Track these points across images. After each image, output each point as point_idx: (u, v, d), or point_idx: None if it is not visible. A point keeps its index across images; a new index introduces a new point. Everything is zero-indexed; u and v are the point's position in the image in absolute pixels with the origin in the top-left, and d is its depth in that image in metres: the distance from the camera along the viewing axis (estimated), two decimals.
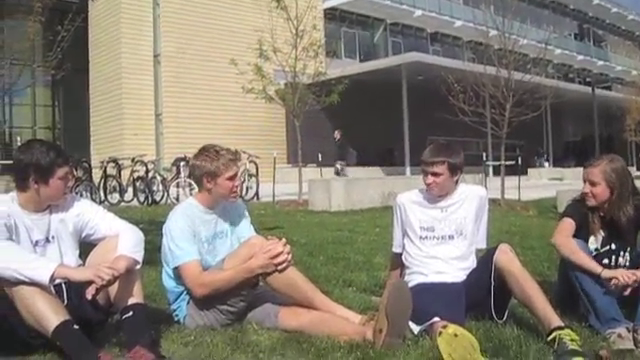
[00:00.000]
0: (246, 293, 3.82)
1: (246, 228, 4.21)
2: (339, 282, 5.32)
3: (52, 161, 3.41)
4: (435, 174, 4.07)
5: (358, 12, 38.32)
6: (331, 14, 36.50)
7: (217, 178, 3.94)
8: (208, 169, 3.94)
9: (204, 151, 4.02)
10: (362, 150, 32.10)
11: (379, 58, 36.75)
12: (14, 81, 15.42)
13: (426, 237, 4.18)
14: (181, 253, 3.86)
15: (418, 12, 39.55)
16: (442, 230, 4.16)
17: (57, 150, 3.50)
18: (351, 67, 28.53)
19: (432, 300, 3.74)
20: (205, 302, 3.84)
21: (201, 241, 3.98)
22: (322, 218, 11.88)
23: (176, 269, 3.90)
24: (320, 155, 21.92)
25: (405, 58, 29.82)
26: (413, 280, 4.12)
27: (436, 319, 3.56)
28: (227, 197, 4.04)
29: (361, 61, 36.68)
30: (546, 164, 38.47)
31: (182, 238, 3.89)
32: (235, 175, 3.99)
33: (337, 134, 22.00)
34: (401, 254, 4.36)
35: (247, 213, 4.32)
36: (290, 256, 3.76)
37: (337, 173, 20.78)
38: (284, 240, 3.79)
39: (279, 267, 3.71)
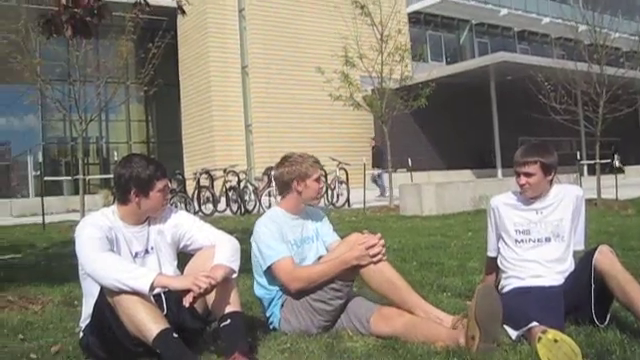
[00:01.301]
0: (342, 289, 3.84)
1: (329, 233, 4.27)
2: (433, 287, 5.27)
3: (151, 174, 3.53)
4: (528, 174, 3.99)
5: (443, 14, 38.05)
6: (415, 18, 36.36)
7: (307, 180, 4.08)
8: (298, 172, 4.07)
9: (288, 158, 4.17)
10: (451, 153, 31.85)
11: (466, 60, 36.38)
12: (109, 99, 15.90)
13: (522, 240, 4.09)
14: (272, 252, 3.93)
15: (504, 11, 38.97)
16: (538, 233, 4.06)
17: (156, 164, 3.62)
18: (438, 70, 28.28)
19: (530, 304, 3.66)
20: (301, 301, 3.88)
21: (290, 244, 4.04)
22: (414, 223, 11.81)
23: (268, 270, 3.96)
24: (410, 159, 21.79)
25: (492, 58, 29.41)
26: (509, 284, 4.05)
27: (534, 324, 3.47)
28: (315, 199, 4.18)
29: (447, 63, 36.42)
30: (617, 162, 36.39)
31: (271, 238, 3.97)
32: (320, 177, 4.14)
33: (372, 142, 21.90)
34: (496, 258, 4.29)
35: (327, 218, 4.39)
36: (384, 249, 3.80)
37: (374, 181, 20.62)
38: (379, 234, 3.82)
39: (374, 259, 3.74)
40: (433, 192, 13.80)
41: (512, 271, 4.10)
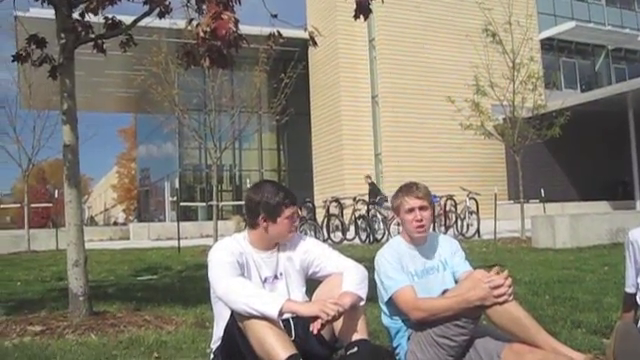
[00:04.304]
0: (466, 326, 3.73)
1: (461, 263, 4.16)
2: (567, 323, 5.10)
3: (280, 201, 3.61)
4: None
5: (577, 40, 37.02)
6: (548, 44, 35.59)
7: (399, 213, 4.13)
8: (398, 205, 4.13)
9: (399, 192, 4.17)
10: (585, 184, 30.85)
11: (601, 87, 35.19)
12: (243, 128, 16.36)
13: None
14: (392, 282, 3.90)
15: None
16: None
17: (285, 191, 3.70)
18: (572, 98, 27.49)
19: None
20: (425, 334, 3.82)
21: (411, 274, 4.00)
22: (546, 256, 11.49)
23: (390, 301, 3.93)
24: (543, 190, 21.27)
25: (631, 85, 28.31)
26: None
27: None
28: (413, 231, 4.06)
29: (582, 91, 35.35)
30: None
31: (391, 269, 3.94)
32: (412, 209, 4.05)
33: (368, 179, 21.12)
34: (635, 294, 4.10)
35: (461, 248, 4.28)
36: (511, 290, 3.64)
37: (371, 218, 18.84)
38: (506, 273, 3.68)
39: (499, 299, 3.60)
40: (567, 224, 13.39)
41: None
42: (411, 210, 4.02)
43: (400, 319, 3.99)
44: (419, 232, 4.04)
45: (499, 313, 3.66)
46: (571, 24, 35.12)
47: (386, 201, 17.84)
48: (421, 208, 4.01)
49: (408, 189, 4.08)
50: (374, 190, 20.60)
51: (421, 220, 4.00)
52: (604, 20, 38.14)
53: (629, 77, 35.61)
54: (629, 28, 37.92)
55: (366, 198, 17.95)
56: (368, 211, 17.43)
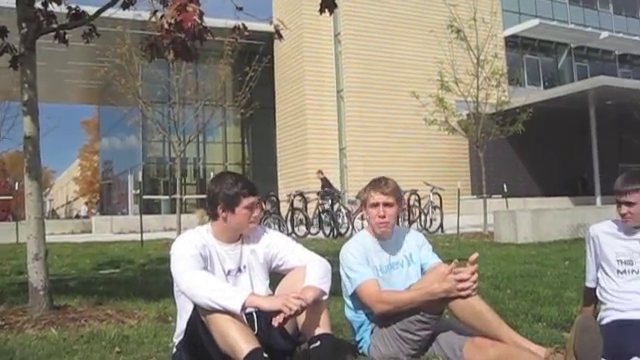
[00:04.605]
0: (429, 321, 3.77)
1: (429, 255, 4.20)
2: (528, 317, 5.15)
3: (238, 191, 3.60)
4: (629, 204, 3.87)
5: (540, 38, 37.42)
6: (512, 42, 35.92)
7: (365, 206, 4.13)
8: (365, 198, 4.13)
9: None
10: (548, 180, 31.22)
11: (564, 84, 35.62)
12: (207, 121, 16.27)
13: (624, 271, 3.96)
14: (357, 275, 3.93)
15: (604, 34, 38.10)
16: None
17: (244, 181, 3.69)
18: (535, 95, 27.78)
19: (630, 338, 3.53)
20: (389, 329, 3.86)
21: (376, 269, 4.03)
22: (509, 250, 11.59)
23: (354, 294, 3.97)
24: (505, 186, 21.45)
25: (592, 83, 28.69)
26: (609, 316, 3.92)
27: (635, 359, 3.36)
28: (376, 226, 4.07)
29: (545, 88, 35.77)
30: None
31: (355, 262, 3.97)
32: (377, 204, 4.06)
33: (320, 174, 21.06)
34: (595, 289, 4.16)
35: (427, 241, 4.31)
36: (475, 285, 3.68)
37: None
38: (473, 268, 3.69)
39: (462, 293, 3.64)
40: (529, 219, 13.54)
41: (612, 303, 3.96)
42: (375, 205, 4.04)
43: (364, 313, 4.02)
44: (380, 227, 4.06)
45: (462, 307, 3.69)
46: (535, 22, 35.49)
47: (339, 195, 17.87)
48: (385, 204, 4.02)
49: (376, 184, 4.09)
50: (326, 185, 20.60)
51: (383, 216, 4.02)
52: (567, 18, 38.61)
53: (591, 75, 36.08)
54: (591, 27, 38.45)
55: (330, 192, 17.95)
56: (332, 205, 17.45)
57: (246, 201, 3.60)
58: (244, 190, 3.61)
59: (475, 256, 3.68)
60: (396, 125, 30.14)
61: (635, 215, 3.89)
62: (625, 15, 41.63)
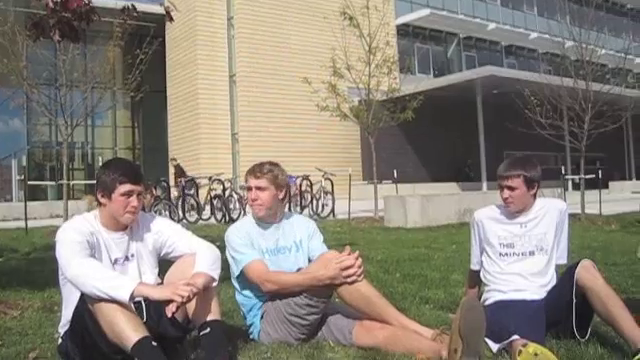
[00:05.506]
0: (318, 305, 3.82)
1: (318, 246, 4.23)
2: (415, 299, 5.27)
3: (115, 177, 3.52)
4: (511, 188, 4.01)
5: (431, 27, 38.21)
6: (404, 30, 36.50)
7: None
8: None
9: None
10: (437, 166, 31.97)
11: (453, 73, 36.54)
12: (96, 104, 15.84)
13: (506, 254, 4.11)
14: (242, 257, 3.97)
15: (492, 25, 39.24)
16: (522, 246, 4.08)
17: (126, 168, 3.61)
18: (425, 83, 28.41)
19: (511, 318, 3.67)
20: (277, 313, 3.89)
21: (262, 252, 4.06)
22: (398, 235, 11.82)
23: (242, 275, 3.99)
24: (395, 171, 21.83)
25: (479, 72, 29.56)
26: (491, 297, 4.06)
27: (515, 337, 3.49)
28: (252, 209, 4.18)
29: (435, 76, 36.57)
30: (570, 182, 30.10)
31: (241, 244, 4.02)
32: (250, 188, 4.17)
33: (173, 161, 21.27)
34: (479, 271, 4.30)
35: (319, 231, 4.35)
36: (361, 270, 3.75)
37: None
38: (357, 254, 3.78)
39: (348, 279, 3.71)
40: (418, 204, 13.82)
41: (494, 284, 4.10)
42: (249, 189, 4.13)
43: (253, 295, 4.05)
44: (255, 210, 4.14)
45: (349, 292, 3.76)
46: (426, 11, 36.21)
47: (195, 183, 17.69)
48: (258, 188, 4.09)
49: (251, 169, 4.19)
50: (179, 172, 20.44)
51: (256, 199, 4.09)
52: (457, 9, 39.54)
53: (478, 65, 37.21)
54: (480, 18, 39.55)
55: (222, 178, 17.80)
56: (224, 190, 17.34)
57: (122, 188, 3.51)
58: (120, 177, 3.52)
59: (348, 249, 3.79)
60: (289, 111, 30.20)
61: (516, 199, 4.04)
62: (512, 8, 42.97)
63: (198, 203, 17.30)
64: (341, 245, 3.87)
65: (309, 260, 4.14)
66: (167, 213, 15.72)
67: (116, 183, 3.51)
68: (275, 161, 4.28)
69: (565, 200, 13.65)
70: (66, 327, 3.54)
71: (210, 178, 17.69)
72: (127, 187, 3.53)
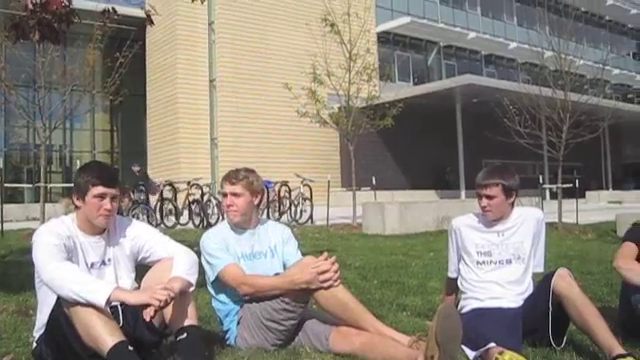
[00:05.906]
0: (295, 310, 3.82)
1: (293, 252, 4.25)
2: (393, 306, 5.28)
3: (89, 179, 3.50)
4: (489, 197, 4.03)
5: (411, 35, 38.31)
6: (384, 38, 36.59)
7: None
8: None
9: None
10: (416, 173, 32.04)
11: (433, 81, 36.67)
12: (74, 107, 15.74)
13: (483, 262, 4.12)
14: (218, 261, 3.98)
15: (472, 34, 39.43)
16: (500, 254, 4.10)
17: (100, 171, 3.59)
18: (405, 90, 28.48)
19: (488, 325, 3.68)
20: (254, 319, 3.88)
21: (237, 257, 4.07)
22: (376, 242, 11.83)
23: (217, 280, 4.00)
24: (374, 178, 21.86)
25: (459, 81, 29.69)
26: (468, 305, 4.07)
27: (492, 345, 3.50)
28: (227, 215, 4.22)
29: (415, 84, 36.64)
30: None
31: (216, 249, 4.02)
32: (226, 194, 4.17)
33: (136, 167, 20.91)
34: (456, 279, 4.31)
35: (294, 238, 4.36)
36: (337, 275, 3.74)
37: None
38: (333, 259, 3.77)
39: (324, 284, 3.71)
40: (396, 211, 13.85)
41: (472, 292, 4.12)
42: (225, 195, 4.13)
43: (229, 300, 4.05)
44: (230, 216, 4.16)
45: (326, 297, 3.75)
46: (406, 19, 36.29)
47: (158, 187, 17.36)
48: (233, 194, 4.10)
49: (227, 175, 4.18)
50: (142, 178, 20.14)
51: (231, 205, 4.10)
52: (438, 17, 39.69)
53: (458, 73, 37.33)
54: (460, 27, 39.72)
55: (200, 182, 17.73)
56: (202, 195, 17.29)
57: (95, 190, 3.49)
58: (94, 179, 3.50)
59: (325, 255, 3.78)
60: (268, 116, 30.15)
61: (494, 208, 4.05)
62: (492, 17, 43.20)
63: (176, 208, 17.22)
64: (319, 251, 3.86)
65: (284, 266, 4.14)
66: (145, 217, 15.64)
67: (89, 185, 3.49)
68: (252, 167, 4.28)
69: (542, 209, 13.80)
70: (41, 331, 3.51)
71: (189, 183, 17.63)
72: (100, 190, 3.50)
